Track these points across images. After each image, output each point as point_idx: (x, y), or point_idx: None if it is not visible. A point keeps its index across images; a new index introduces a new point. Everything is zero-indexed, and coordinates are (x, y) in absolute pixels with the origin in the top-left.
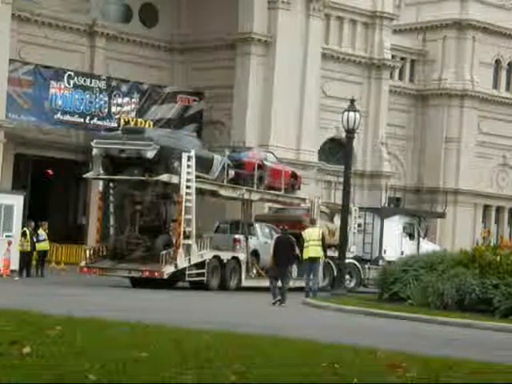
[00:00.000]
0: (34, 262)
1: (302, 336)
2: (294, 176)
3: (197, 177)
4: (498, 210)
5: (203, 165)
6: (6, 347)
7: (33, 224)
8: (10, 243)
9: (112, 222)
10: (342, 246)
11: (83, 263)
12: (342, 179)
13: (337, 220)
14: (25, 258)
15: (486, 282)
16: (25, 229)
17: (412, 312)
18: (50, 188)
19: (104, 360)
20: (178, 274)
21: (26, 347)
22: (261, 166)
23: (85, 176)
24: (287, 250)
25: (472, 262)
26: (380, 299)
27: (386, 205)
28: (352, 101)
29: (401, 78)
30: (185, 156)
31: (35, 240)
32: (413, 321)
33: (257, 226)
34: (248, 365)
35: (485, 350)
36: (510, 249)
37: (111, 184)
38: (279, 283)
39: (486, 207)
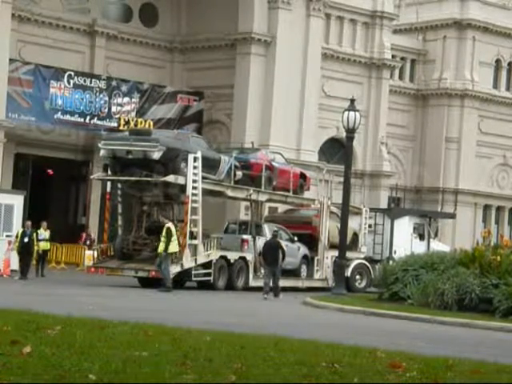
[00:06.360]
0: (34, 262)
1: (302, 336)
2: (303, 177)
3: (203, 178)
4: (499, 209)
5: (210, 166)
6: (6, 347)
7: (29, 224)
8: (10, 243)
9: (120, 222)
10: (342, 245)
11: (91, 263)
12: (339, 179)
13: (350, 221)
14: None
15: (486, 281)
16: (19, 229)
17: (412, 312)
18: (50, 188)
19: (104, 360)
20: (185, 274)
21: (26, 347)
22: (269, 167)
23: (92, 177)
24: (274, 251)
25: (472, 261)
26: (380, 299)
27: (388, 205)
28: (352, 100)
29: (401, 77)
30: (191, 157)
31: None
32: (413, 320)
33: (265, 226)
34: (248, 365)
35: (484, 350)
36: (510, 248)
37: (118, 185)
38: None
39: (486, 207)
